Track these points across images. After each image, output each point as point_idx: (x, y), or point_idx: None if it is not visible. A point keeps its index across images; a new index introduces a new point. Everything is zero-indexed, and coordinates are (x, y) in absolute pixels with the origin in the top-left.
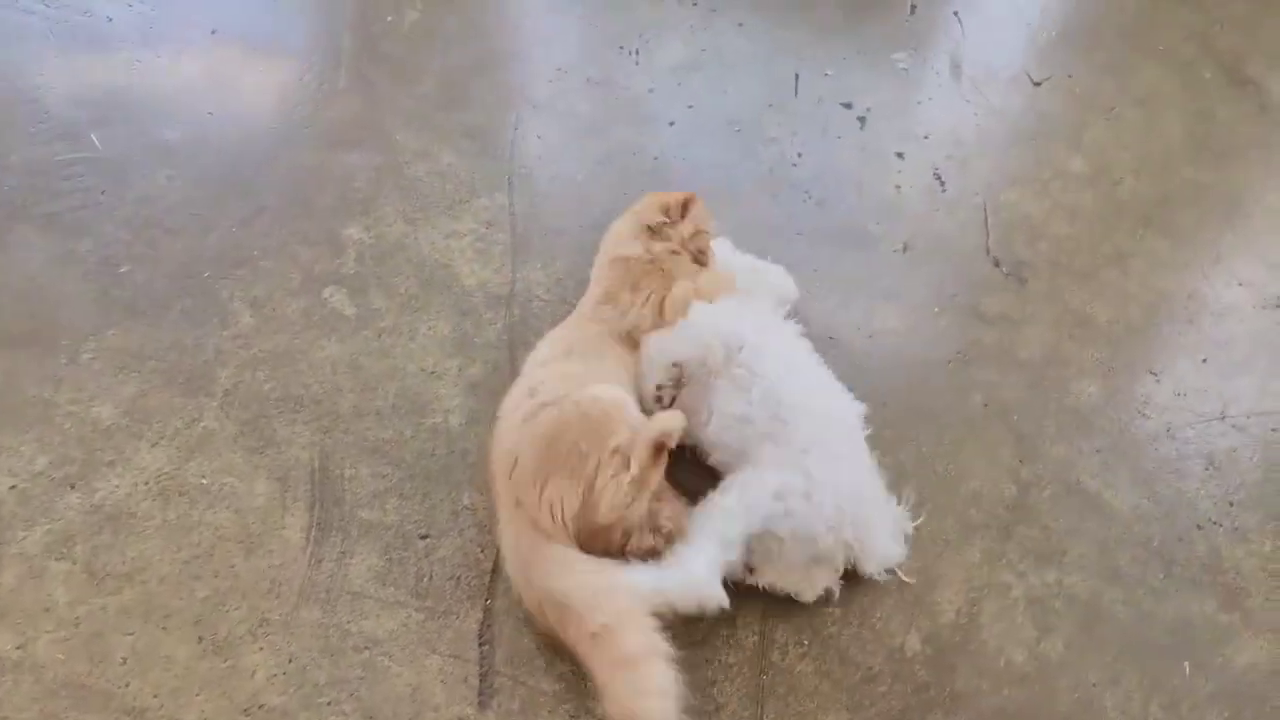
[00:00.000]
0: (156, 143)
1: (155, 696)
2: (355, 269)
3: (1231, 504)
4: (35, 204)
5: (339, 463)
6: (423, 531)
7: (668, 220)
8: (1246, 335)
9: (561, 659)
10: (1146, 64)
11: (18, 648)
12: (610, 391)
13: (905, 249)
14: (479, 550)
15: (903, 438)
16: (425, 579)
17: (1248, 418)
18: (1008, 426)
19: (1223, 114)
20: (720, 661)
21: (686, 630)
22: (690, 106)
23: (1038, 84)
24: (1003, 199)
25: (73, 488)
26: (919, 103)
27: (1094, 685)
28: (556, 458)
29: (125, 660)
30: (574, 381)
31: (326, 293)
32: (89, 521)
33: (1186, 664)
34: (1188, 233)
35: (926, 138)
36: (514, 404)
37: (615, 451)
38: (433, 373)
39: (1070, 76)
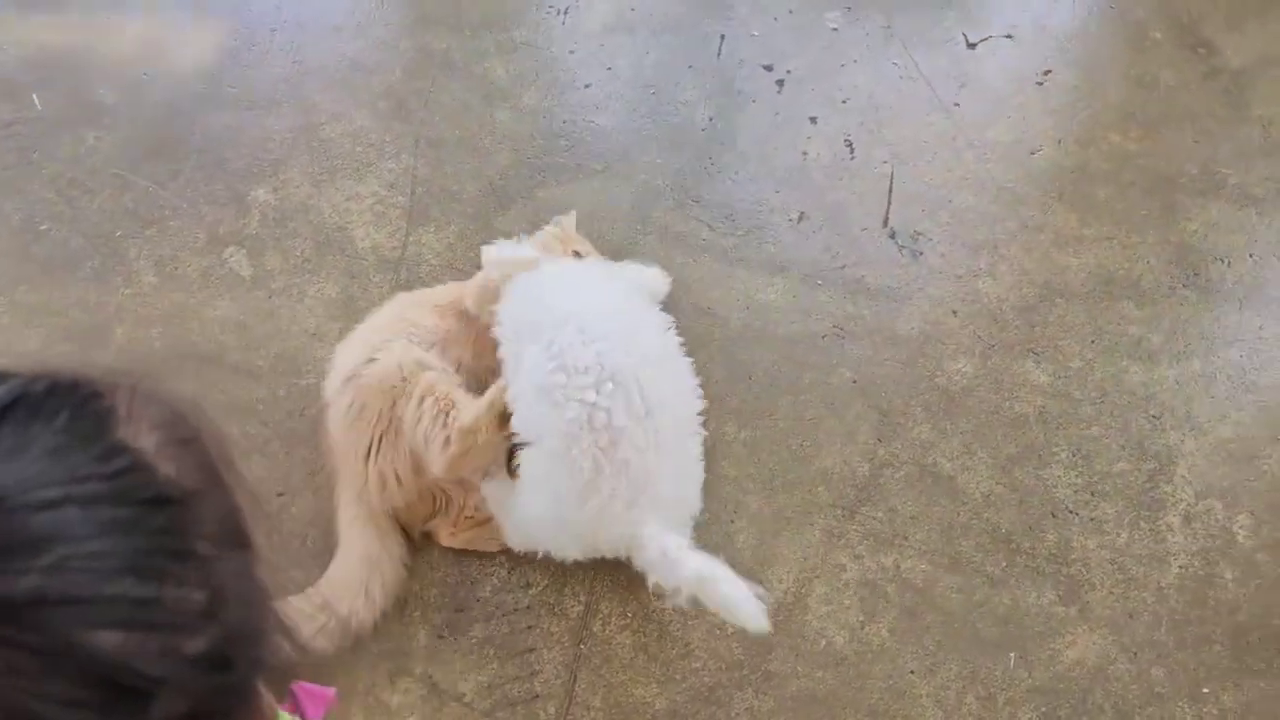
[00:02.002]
0: (92, 103)
1: None
2: (257, 230)
3: (1093, 494)
4: None
5: (210, 420)
6: (280, 489)
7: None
8: (1142, 319)
9: (389, 619)
10: (1092, 22)
11: None
12: (399, 348)
13: (801, 218)
14: (330, 509)
15: (760, 412)
16: (275, 535)
17: (1126, 404)
18: (872, 404)
19: (1166, 79)
20: (542, 628)
21: (512, 596)
22: (609, 69)
23: (973, 45)
24: (911, 168)
25: None
26: (843, 65)
27: (911, 673)
28: (370, 427)
29: None
30: (370, 348)
31: (228, 253)
32: None
33: (1012, 655)
34: (1100, 206)
35: (844, 102)
36: (333, 393)
37: (424, 398)
38: (314, 334)
39: (1010, 38)
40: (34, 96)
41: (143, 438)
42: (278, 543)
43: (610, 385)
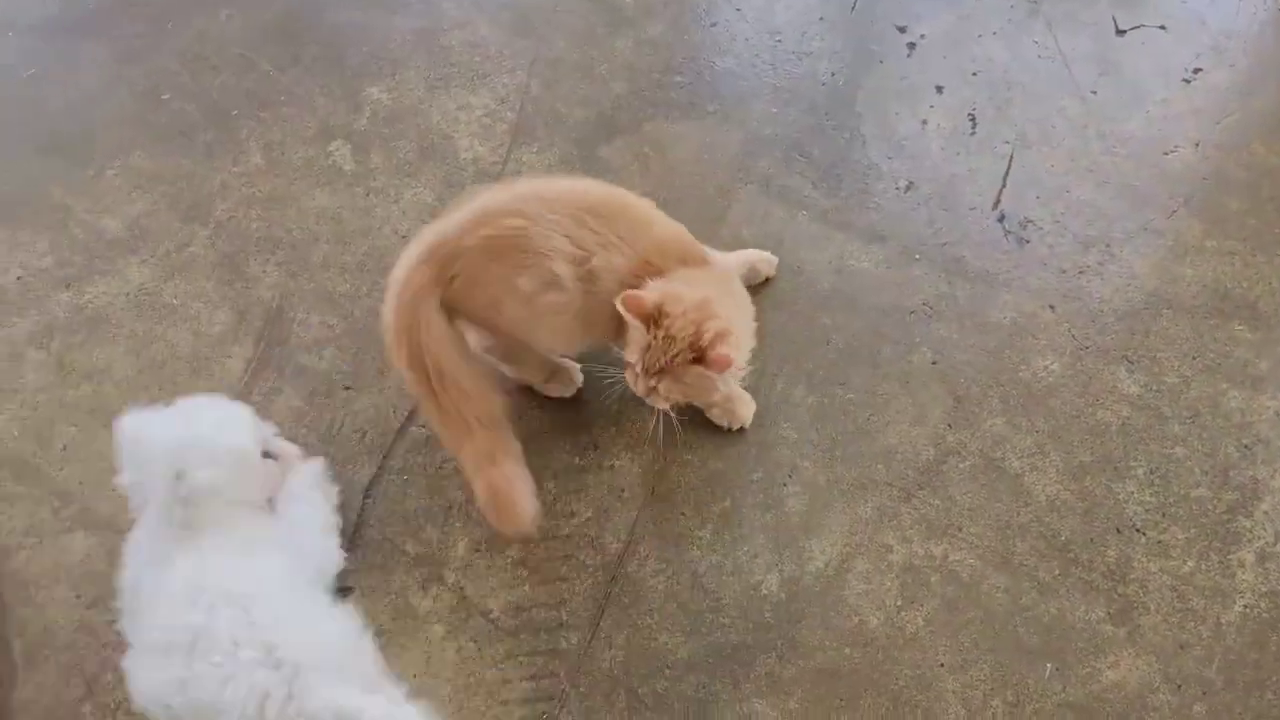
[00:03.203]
0: None
1: (80, 484)
2: (366, 127)
3: (1165, 515)
4: (111, 27)
5: (294, 306)
6: (348, 383)
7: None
8: (1252, 343)
9: (430, 525)
10: (1256, 23)
11: None
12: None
13: (909, 188)
14: (391, 410)
15: (833, 379)
16: (337, 427)
17: (1218, 429)
18: (949, 389)
19: None
20: (578, 560)
21: (554, 523)
22: (738, 10)
23: (1122, 32)
24: (1033, 152)
25: (67, 287)
26: (979, 36)
27: (941, 665)
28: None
29: (65, 448)
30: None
31: (333, 146)
32: (71, 320)
33: (1049, 666)
34: (1229, 218)
35: (975, 75)
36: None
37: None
38: (404, 237)
39: (1163, 29)
40: None
41: None
42: (337, 435)
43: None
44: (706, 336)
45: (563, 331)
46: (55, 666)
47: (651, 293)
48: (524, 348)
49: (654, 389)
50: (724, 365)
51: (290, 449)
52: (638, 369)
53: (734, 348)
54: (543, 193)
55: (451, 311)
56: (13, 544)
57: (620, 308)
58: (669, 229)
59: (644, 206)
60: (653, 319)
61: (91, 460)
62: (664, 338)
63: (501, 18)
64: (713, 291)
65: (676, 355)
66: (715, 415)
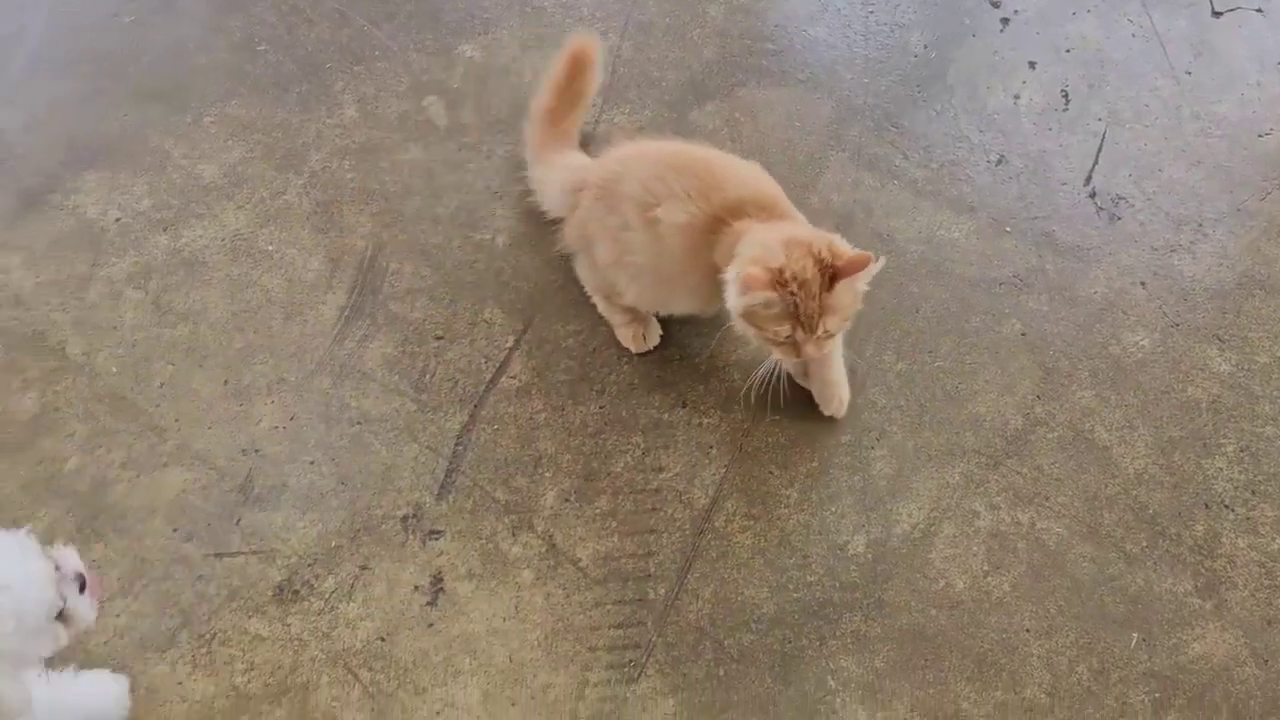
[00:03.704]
0: None
1: (176, 421)
2: (459, 84)
3: (1254, 493)
4: None
5: (388, 256)
6: (439, 333)
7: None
8: None
9: (520, 474)
10: None
11: (84, 353)
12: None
13: (1000, 161)
14: (482, 361)
15: (921, 347)
16: (428, 376)
17: None
18: (1037, 361)
19: None
20: (666, 513)
21: (643, 476)
22: None
23: (1218, 14)
24: (1126, 130)
25: (164, 230)
26: (1073, 14)
27: (1026, 631)
28: None
29: (162, 385)
30: None
31: (427, 101)
32: (169, 262)
33: (1135, 636)
34: None
35: (1068, 52)
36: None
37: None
38: (496, 193)
39: (1260, 12)
40: None
41: None
42: (429, 383)
43: None
44: (827, 253)
45: (638, 282)
46: (152, 596)
47: (755, 267)
48: (613, 289)
49: (823, 335)
50: (863, 262)
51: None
52: (798, 335)
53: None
54: (646, 149)
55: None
56: (111, 476)
57: (747, 301)
58: (754, 190)
59: (732, 165)
60: (778, 282)
61: (187, 398)
62: (799, 287)
63: None
64: (786, 226)
65: (818, 292)
66: (821, 394)
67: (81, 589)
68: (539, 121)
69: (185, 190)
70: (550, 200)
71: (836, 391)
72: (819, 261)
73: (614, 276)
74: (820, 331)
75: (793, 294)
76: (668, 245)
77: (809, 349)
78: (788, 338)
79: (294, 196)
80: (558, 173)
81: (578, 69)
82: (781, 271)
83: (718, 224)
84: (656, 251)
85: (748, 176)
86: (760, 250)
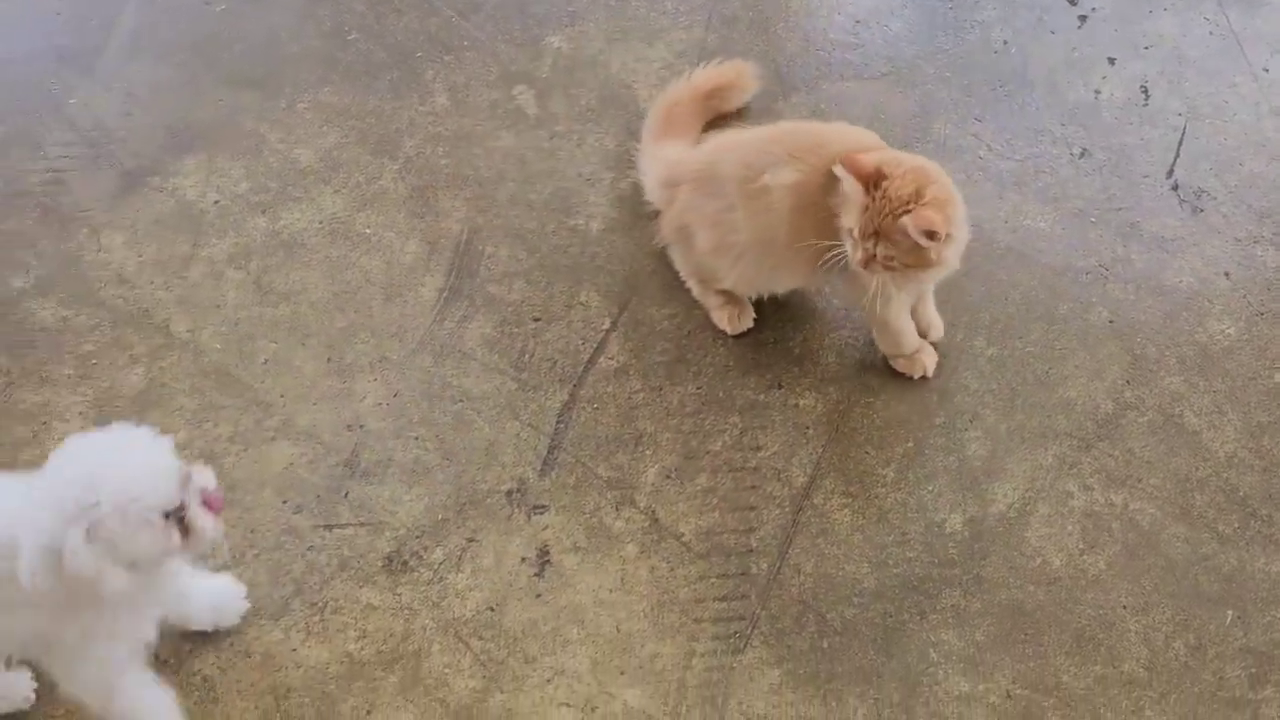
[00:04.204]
0: None
1: (281, 397)
2: (548, 74)
3: None
4: None
5: (483, 240)
6: (537, 315)
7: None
8: None
9: (621, 452)
10: None
11: (188, 330)
12: None
13: (1083, 154)
14: (580, 342)
15: (1011, 332)
16: (527, 355)
17: None
18: (1125, 348)
19: None
20: (765, 490)
21: (741, 454)
22: None
23: None
24: (1206, 125)
25: (263, 213)
26: (1150, 12)
27: (1123, 608)
28: None
29: (266, 362)
30: None
31: (517, 90)
32: (268, 243)
33: (1230, 613)
34: None
35: (1147, 49)
36: None
37: None
38: (588, 180)
39: None
40: None
41: None
42: (528, 363)
43: None
44: (928, 194)
45: (741, 262)
46: (264, 565)
47: (868, 158)
48: (713, 274)
49: (871, 256)
50: (925, 223)
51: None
52: (855, 233)
53: (949, 220)
54: (737, 135)
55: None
56: (219, 450)
57: (838, 170)
58: (858, 141)
59: (828, 127)
60: (872, 180)
61: (291, 375)
62: (882, 198)
63: None
64: (930, 169)
65: (891, 214)
66: (901, 365)
67: (208, 507)
68: (662, 114)
69: (282, 174)
70: (650, 191)
71: (910, 361)
72: (915, 195)
73: (714, 263)
74: (872, 252)
75: (871, 199)
76: (778, 210)
77: (855, 256)
78: (848, 232)
79: (389, 181)
80: (658, 166)
81: (729, 87)
82: (880, 173)
83: (830, 179)
84: (765, 222)
85: (848, 132)
86: (891, 155)
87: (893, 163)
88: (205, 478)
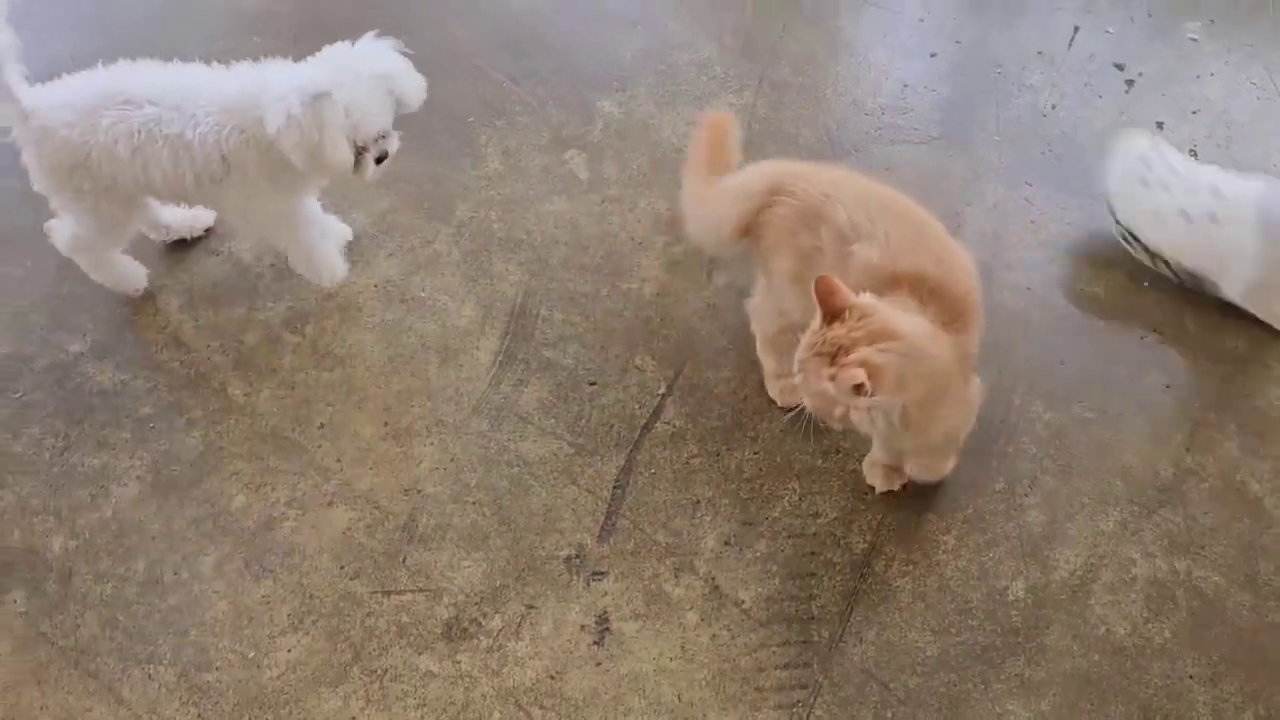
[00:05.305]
0: None
1: (338, 461)
2: (599, 138)
3: None
4: (350, 31)
5: (537, 304)
6: (592, 379)
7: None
8: None
9: (679, 517)
10: None
11: (245, 395)
12: None
13: None
14: (636, 406)
15: (1068, 397)
16: (583, 420)
17: None
18: (1184, 413)
19: None
20: (825, 557)
21: (800, 521)
22: (958, 41)
23: None
24: None
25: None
26: (1197, 76)
27: (1190, 678)
28: None
29: (322, 426)
30: None
31: (568, 155)
32: (323, 307)
33: None
34: None
35: (1195, 113)
36: None
37: None
38: (640, 244)
39: None
40: None
41: None
42: (584, 427)
43: None
44: (855, 355)
45: (808, 303)
46: (322, 631)
47: (853, 294)
48: (781, 302)
49: (797, 376)
50: (845, 380)
51: None
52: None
53: (879, 384)
54: (860, 182)
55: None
56: (277, 514)
57: (812, 287)
58: (945, 276)
59: (942, 240)
60: (834, 315)
61: (348, 439)
62: (827, 340)
63: (727, 41)
64: (924, 339)
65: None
66: (913, 470)
67: (379, 160)
68: (695, 175)
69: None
70: (722, 213)
71: (922, 467)
72: (848, 347)
73: (785, 289)
74: (798, 373)
75: (822, 336)
76: (849, 281)
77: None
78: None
79: (443, 245)
80: (732, 187)
81: (718, 141)
82: (845, 313)
83: (893, 283)
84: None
85: (951, 259)
86: (882, 307)
87: (862, 311)
88: (395, 142)
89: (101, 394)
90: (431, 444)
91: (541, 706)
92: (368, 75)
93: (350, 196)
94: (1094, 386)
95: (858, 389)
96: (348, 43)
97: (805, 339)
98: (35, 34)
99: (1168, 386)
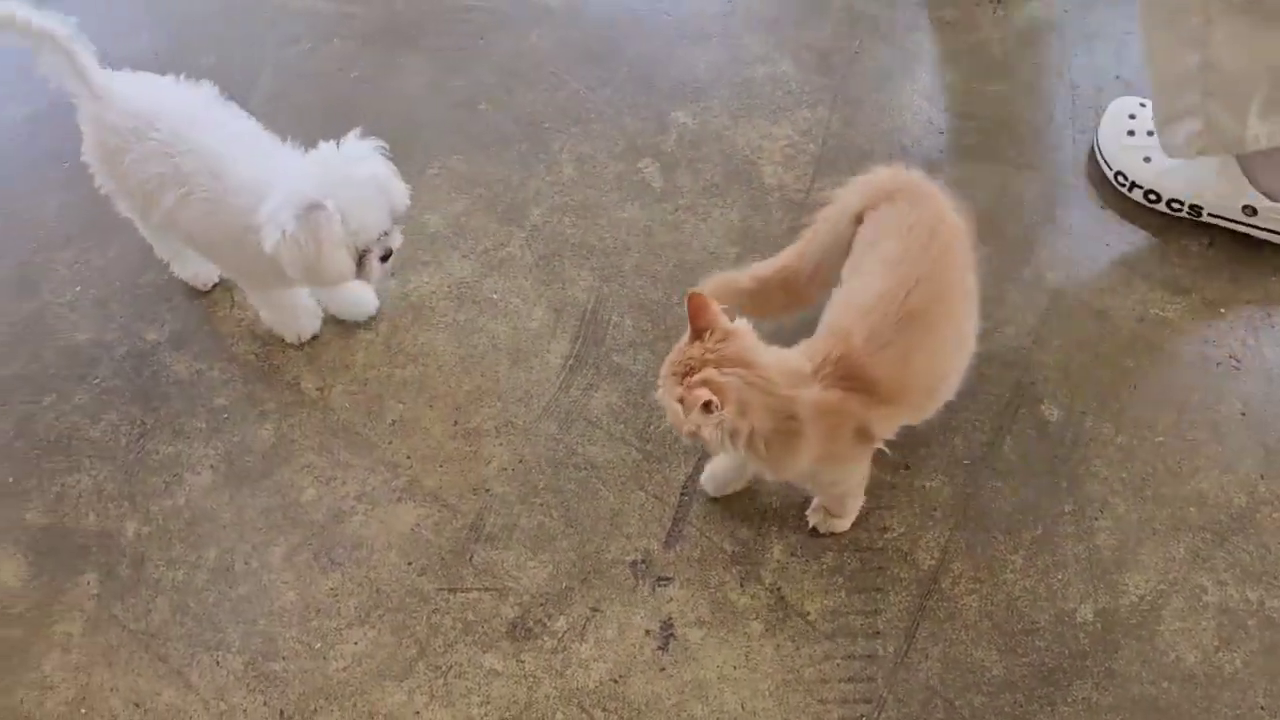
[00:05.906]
0: (538, 5)
1: (408, 458)
2: (673, 148)
3: None
4: (427, 36)
5: (609, 309)
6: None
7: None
8: None
9: (746, 527)
10: None
11: (318, 389)
12: None
13: (1210, 244)
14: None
15: (1141, 421)
16: (652, 426)
17: None
18: (1258, 441)
19: None
20: (892, 573)
21: (867, 535)
22: (1035, 63)
23: None
24: None
25: (392, 275)
26: None
27: (1261, 708)
28: None
29: (393, 423)
30: None
31: (642, 163)
32: (397, 306)
33: None
34: None
35: None
36: None
37: None
38: (713, 253)
39: None
40: None
41: None
42: (653, 434)
43: None
44: (700, 375)
45: None
46: (388, 625)
47: (723, 316)
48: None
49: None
50: (692, 401)
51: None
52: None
53: (724, 405)
54: (939, 203)
55: None
56: (346, 508)
57: (690, 298)
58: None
59: (948, 288)
60: (698, 334)
61: (418, 436)
62: (685, 358)
63: (802, 56)
64: (780, 376)
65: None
66: (813, 516)
67: (383, 259)
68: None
69: (411, 238)
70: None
71: (832, 507)
72: (696, 369)
73: None
74: (658, 386)
75: (682, 350)
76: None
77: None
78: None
79: (516, 249)
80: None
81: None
82: (709, 332)
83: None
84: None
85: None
86: (751, 339)
87: (734, 337)
88: (398, 239)
89: (178, 383)
90: (500, 444)
91: (604, 709)
92: (360, 178)
93: (425, 197)
94: (1167, 411)
95: (705, 407)
96: (333, 144)
97: (670, 354)
98: (115, 26)
99: (1243, 413)
